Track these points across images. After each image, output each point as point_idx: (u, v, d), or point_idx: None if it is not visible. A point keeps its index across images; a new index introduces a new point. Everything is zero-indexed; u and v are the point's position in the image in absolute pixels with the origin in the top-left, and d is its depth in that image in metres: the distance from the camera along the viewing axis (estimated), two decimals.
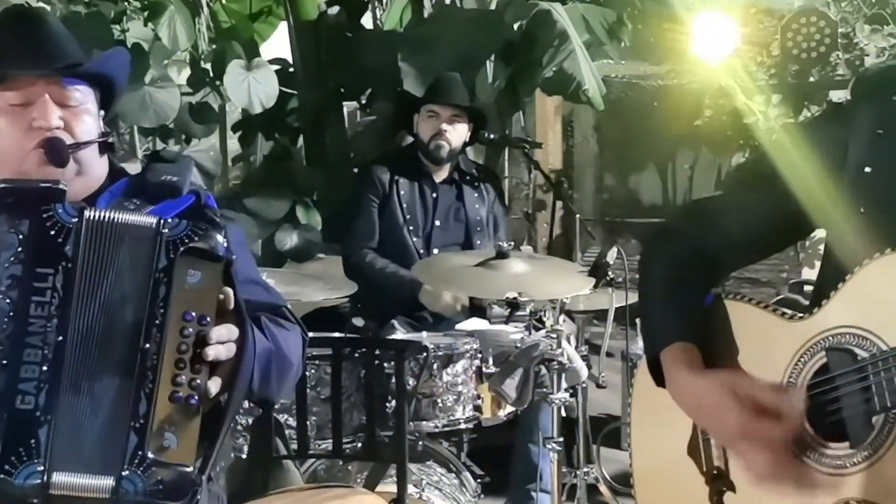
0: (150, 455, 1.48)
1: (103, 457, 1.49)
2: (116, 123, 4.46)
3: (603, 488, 3.60)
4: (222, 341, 1.58)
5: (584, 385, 3.44)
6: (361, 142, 5.04)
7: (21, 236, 1.52)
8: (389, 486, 2.64)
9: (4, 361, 1.47)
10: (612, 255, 3.16)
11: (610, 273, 3.17)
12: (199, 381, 1.53)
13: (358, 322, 3.65)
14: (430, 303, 3.55)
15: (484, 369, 3.04)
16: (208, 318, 1.55)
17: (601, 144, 7.21)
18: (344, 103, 5.33)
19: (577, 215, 4.46)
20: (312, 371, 2.77)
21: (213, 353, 1.55)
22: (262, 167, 4.99)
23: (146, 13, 4.03)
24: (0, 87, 1.73)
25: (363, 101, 5.29)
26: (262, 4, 5.34)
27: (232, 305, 1.62)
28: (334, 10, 5.12)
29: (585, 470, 3.47)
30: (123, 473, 1.47)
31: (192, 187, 1.81)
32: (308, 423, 2.71)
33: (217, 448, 1.62)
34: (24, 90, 1.72)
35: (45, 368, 1.47)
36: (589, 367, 3.39)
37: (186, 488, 1.50)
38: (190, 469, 1.50)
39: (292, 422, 2.73)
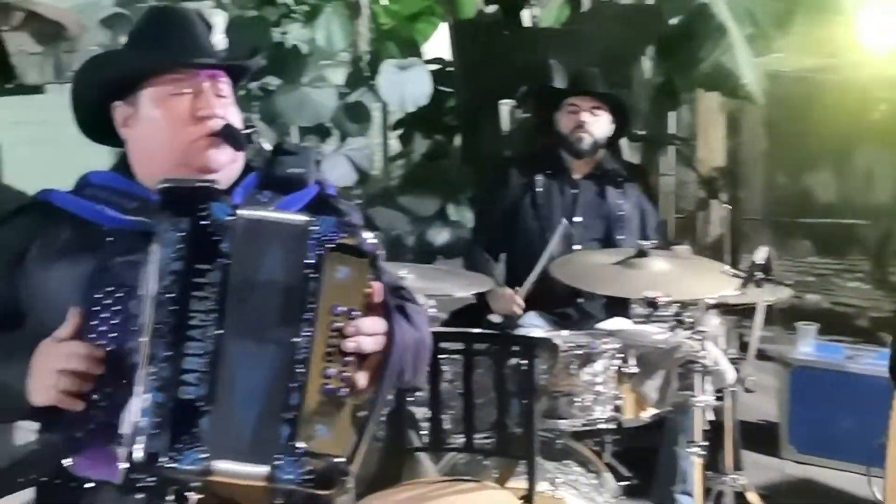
0: (302, 445, 1.52)
1: (258, 446, 1.53)
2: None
3: (752, 497, 3.48)
4: (370, 334, 1.61)
5: (732, 389, 3.34)
6: (515, 139, 5.06)
7: (181, 234, 1.58)
8: (521, 483, 2.64)
9: (169, 353, 1.52)
10: (761, 256, 3.06)
11: (759, 274, 3.07)
12: (348, 373, 1.56)
13: (494, 318, 3.66)
14: (492, 300, 3.53)
15: (624, 369, 3.00)
16: (356, 312, 1.58)
17: (771, 141, 6.95)
18: (502, 101, 5.37)
19: (733, 213, 4.33)
20: (449, 366, 2.80)
21: (361, 345, 1.58)
22: (418, 165, 5.08)
23: (305, 16, 4.18)
24: (160, 80, 1.81)
25: (518, 100, 5.31)
26: (423, 5, 5.44)
27: (379, 299, 1.65)
28: (492, 8, 5.16)
29: (733, 477, 3.37)
30: (277, 462, 1.51)
31: (315, 177, 1.87)
32: (446, 417, 2.75)
33: (365, 439, 1.65)
34: (188, 82, 1.81)
35: (205, 361, 1.53)
36: (738, 369, 3.29)
37: (336, 478, 1.53)
38: (340, 459, 1.53)
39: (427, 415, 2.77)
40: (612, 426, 3.06)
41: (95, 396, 1.57)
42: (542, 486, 2.71)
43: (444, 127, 5.30)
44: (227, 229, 1.58)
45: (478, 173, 4.82)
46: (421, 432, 2.78)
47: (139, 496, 1.54)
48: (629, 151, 4.94)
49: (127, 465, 1.49)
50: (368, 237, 1.62)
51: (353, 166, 4.47)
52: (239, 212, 1.61)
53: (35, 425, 1.76)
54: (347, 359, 1.56)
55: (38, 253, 1.76)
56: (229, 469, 1.51)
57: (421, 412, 2.80)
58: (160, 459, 1.47)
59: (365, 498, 2.37)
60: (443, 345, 2.71)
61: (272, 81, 4.25)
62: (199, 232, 1.57)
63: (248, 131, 1.86)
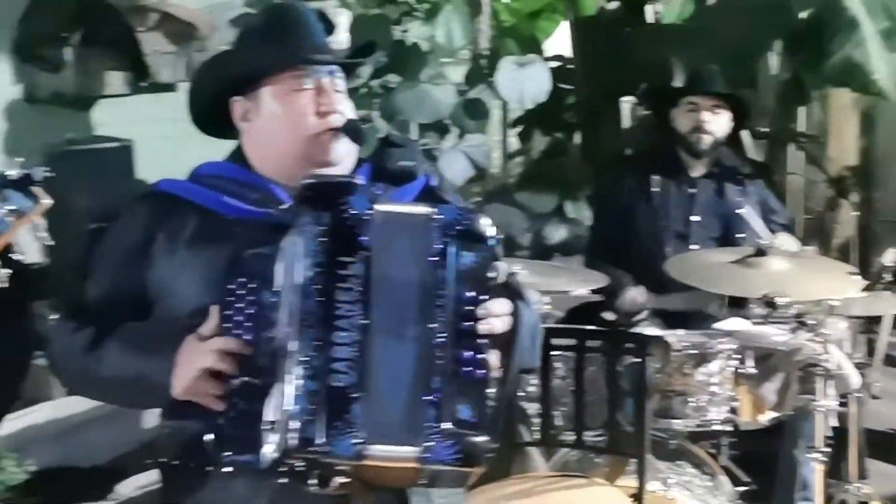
0: (448, 426, 1.56)
1: (408, 429, 1.57)
2: None
3: None
4: (499, 315, 1.64)
5: (857, 395, 3.22)
6: (635, 137, 5.00)
7: (323, 227, 1.63)
8: (631, 481, 2.62)
9: (319, 342, 1.58)
10: (890, 258, 2.96)
11: (888, 276, 2.97)
12: (481, 355, 1.60)
13: (608, 316, 3.62)
14: (621, 298, 3.48)
15: (741, 370, 2.94)
16: (484, 295, 1.62)
17: None
18: (622, 98, 5.31)
19: (866, 214, 4.17)
20: (561, 363, 2.80)
21: (492, 326, 1.62)
22: (537, 162, 5.07)
23: (426, 14, 4.23)
24: (281, 77, 1.85)
25: (639, 97, 5.25)
26: (544, 2, 5.43)
27: (502, 280, 1.68)
28: (613, 5, 5.12)
29: (857, 485, 3.26)
30: (426, 444, 1.55)
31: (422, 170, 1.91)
32: (557, 413, 2.75)
33: (501, 417, 1.68)
34: (309, 78, 1.85)
35: (353, 349, 1.58)
36: (864, 375, 3.18)
37: (481, 455, 1.57)
38: (484, 438, 1.56)
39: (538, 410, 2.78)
40: (728, 428, 3.01)
41: (234, 384, 1.63)
42: (653, 486, 2.68)
43: (564, 124, 5.28)
44: (366, 223, 1.63)
45: (597, 171, 4.79)
46: (531, 427, 2.78)
47: (282, 480, 1.59)
48: (753, 149, 4.82)
49: (279, 450, 1.54)
50: (487, 222, 1.66)
51: (471, 163, 4.50)
52: (376, 206, 1.66)
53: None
54: (480, 341, 1.60)
55: (163, 242, 1.82)
56: (383, 452, 1.55)
57: (532, 407, 2.80)
58: (315, 444, 1.52)
59: (475, 490, 2.39)
60: (555, 341, 2.71)
61: (392, 79, 4.31)
62: (341, 225, 1.63)
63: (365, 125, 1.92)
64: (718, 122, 3.58)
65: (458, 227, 1.64)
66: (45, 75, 4.64)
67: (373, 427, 1.55)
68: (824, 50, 4.18)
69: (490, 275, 1.64)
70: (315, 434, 1.52)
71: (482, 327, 1.60)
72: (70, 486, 3.27)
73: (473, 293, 1.61)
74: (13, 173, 1.52)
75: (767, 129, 3.66)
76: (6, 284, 1.57)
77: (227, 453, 1.62)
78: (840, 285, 2.91)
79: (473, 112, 4.49)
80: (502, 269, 1.68)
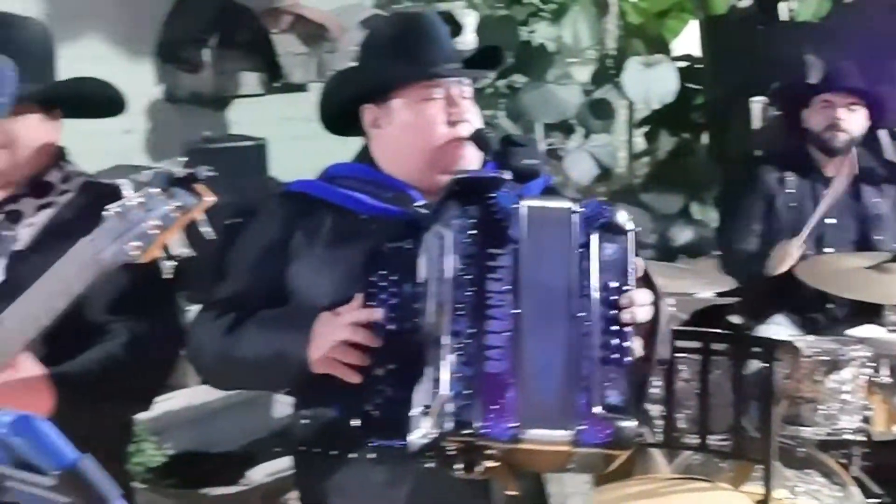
0: (598, 411, 1.60)
1: (561, 414, 1.62)
2: None
3: None
4: (641, 305, 1.69)
5: None
6: (765, 137, 4.89)
7: (472, 220, 1.69)
8: (757, 487, 2.58)
9: (472, 330, 1.64)
10: None
11: None
12: (627, 342, 1.65)
13: (735, 320, 3.57)
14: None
15: (875, 379, 2.86)
16: (626, 286, 1.67)
17: None
18: (753, 98, 5.20)
19: None
20: (686, 366, 2.78)
21: (636, 316, 1.67)
22: (662, 163, 5.02)
23: (552, 14, 4.24)
24: (412, 87, 1.91)
25: (770, 96, 5.13)
26: (672, 1, 5.37)
27: (642, 272, 1.73)
28: (746, 3, 5.02)
29: None
30: (579, 427, 1.60)
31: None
32: (680, 416, 2.73)
33: (644, 404, 1.77)
34: (438, 88, 1.90)
35: (505, 337, 1.63)
36: None
37: (630, 439, 1.61)
38: (633, 422, 1.60)
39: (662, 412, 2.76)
40: (860, 438, 2.94)
41: (380, 372, 1.69)
42: (780, 494, 2.64)
43: (691, 124, 5.21)
44: (514, 216, 1.69)
45: (725, 172, 4.71)
46: (654, 429, 2.77)
47: (427, 465, 1.65)
48: (893, 150, 4.66)
49: (432, 434, 1.59)
50: (626, 215, 1.71)
51: (596, 162, 4.49)
52: (522, 201, 1.71)
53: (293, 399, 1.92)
54: (623, 329, 1.65)
55: (301, 240, 1.90)
56: (538, 436, 1.60)
57: (655, 409, 2.79)
58: (471, 428, 1.57)
59: (597, 489, 2.40)
60: (680, 343, 2.69)
61: (518, 79, 4.34)
62: (490, 219, 1.69)
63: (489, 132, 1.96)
64: (854, 120, 3.49)
65: (600, 220, 1.69)
66: (184, 76, 4.84)
67: (527, 411, 1.59)
68: None
69: (630, 265, 1.68)
70: (472, 418, 1.57)
71: (626, 316, 1.65)
72: (204, 470, 3.40)
73: (617, 283, 1.66)
74: (179, 171, 1.60)
75: None
76: (171, 275, 1.66)
77: (373, 439, 1.68)
78: None
79: (600, 112, 4.48)
80: (640, 261, 1.71)
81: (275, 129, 4.98)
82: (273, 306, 1.90)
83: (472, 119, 1.92)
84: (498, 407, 1.59)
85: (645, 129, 5.47)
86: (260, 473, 3.40)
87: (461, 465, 1.63)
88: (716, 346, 2.68)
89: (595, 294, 1.65)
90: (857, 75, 3.53)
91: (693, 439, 2.67)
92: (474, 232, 1.68)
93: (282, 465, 3.48)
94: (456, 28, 2.24)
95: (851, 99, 3.48)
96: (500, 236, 1.68)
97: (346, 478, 1.82)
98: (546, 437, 1.60)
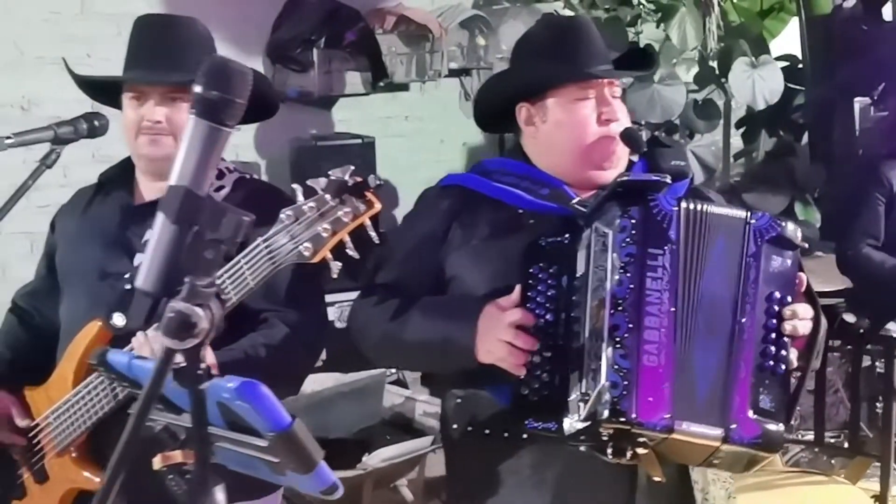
0: (750, 414, 1.71)
1: (714, 411, 1.71)
2: None
3: None
4: (802, 319, 1.77)
5: None
6: (870, 138, 4.86)
7: (633, 221, 1.78)
8: (872, 484, 2.61)
9: (631, 325, 1.73)
10: None
11: None
12: (784, 352, 1.74)
13: (849, 318, 3.56)
14: None
15: None
16: (789, 298, 1.75)
17: None
18: (857, 99, 5.17)
19: None
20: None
21: (797, 329, 1.75)
22: (763, 163, 5.01)
23: (659, 15, 4.28)
24: (567, 87, 1.99)
25: (875, 97, 5.10)
26: (774, 1, 5.36)
27: (804, 287, 1.80)
28: (850, 2, 4.99)
29: None
30: (731, 426, 1.70)
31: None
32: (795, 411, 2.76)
33: (795, 413, 1.81)
34: (592, 88, 1.98)
35: (662, 332, 1.72)
36: None
37: (776, 444, 1.72)
38: (780, 428, 1.71)
39: None
40: None
41: (536, 359, 1.78)
42: None
43: (791, 125, 5.20)
44: (674, 218, 1.77)
45: (831, 173, 4.69)
46: None
47: (581, 448, 1.75)
48: None
49: (588, 419, 1.69)
50: (795, 229, 1.78)
51: (700, 163, 4.52)
52: (682, 203, 1.79)
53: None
54: (783, 339, 1.74)
55: (458, 231, 1.99)
56: (690, 429, 1.70)
57: None
58: (628, 416, 1.67)
59: None
60: None
61: (625, 80, 4.36)
62: (650, 220, 1.77)
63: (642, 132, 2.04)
64: None
65: (771, 233, 1.77)
66: (293, 75, 4.98)
67: (682, 405, 1.69)
68: None
69: (797, 279, 1.76)
70: (629, 407, 1.66)
71: (787, 327, 1.73)
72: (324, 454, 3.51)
73: (780, 294, 1.74)
74: (351, 179, 1.69)
75: None
76: (336, 276, 1.77)
77: (529, 421, 1.77)
78: None
79: (705, 113, 4.51)
80: (803, 276, 1.78)
81: (378, 127, 5.10)
82: (429, 293, 2.01)
83: (622, 118, 1.99)
84: (653, 399, 1.67)
85: (742, 129, 5.46)
86: (375, 459, 3.51)
87: (612, 450, 1.72)
88: (832, 343, 2.71)
89: (759, 303, 1.73)
90: None
91: (808, 434, 2.71)
92: (635, 232, 1.76)
93: (395, 451, 3.60)
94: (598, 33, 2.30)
95: None
96: (661, 237, 1.76)
97: (495, 457, 1.91)
98: (698, 432, 1.69)
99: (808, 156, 5.12)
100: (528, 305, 1.81)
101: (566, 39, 2.03)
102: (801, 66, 5.11)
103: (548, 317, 1.79)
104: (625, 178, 1.84)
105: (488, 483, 1.94)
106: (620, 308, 1.73)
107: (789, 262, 1.77)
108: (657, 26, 4.33)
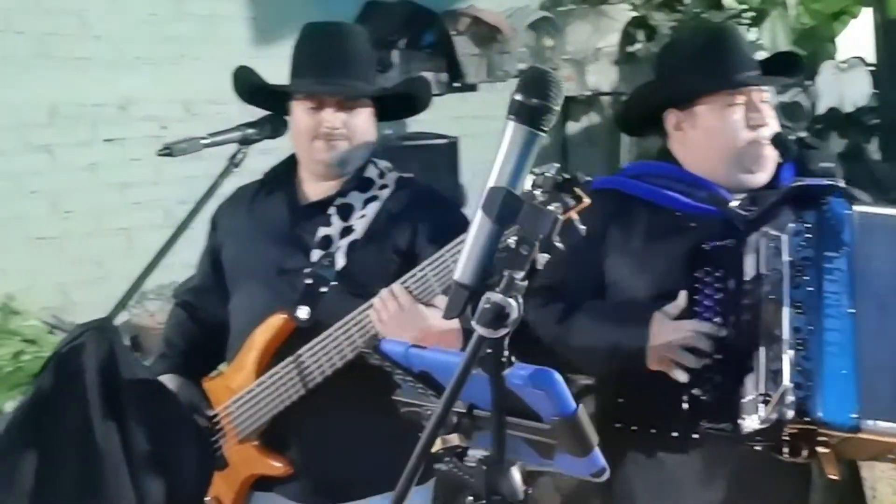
0: None
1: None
2: None
3: None
4: None
5: None
6: None
7: (807, 225, 1.86)
8: None
9: (811, 326, 1.80)
10: None
11: None
12: None
13: None
14: None
15: None
16: None
17: None
18: None
19: None
20: None
21: None
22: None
23: (751, 19, 4.34)
24: (718, 94, 2.08)
25: None
26: (843, 4, 5.39)
27: None
28: None
29: None
30: None
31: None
32: None
33: None
34: (742, 95, 2.07)
35: (843, 333, 1.79)
36: None
37: None
38: None
39: None
40: None
41: (708, 361, 1.85)
42: None
43: (862, 126, 5.25)
44: (846, 222, 1.84)
45: None
46: None
47: (757, 448, 1.81)
48: None
49: (768, 420, 1.75)
50: None
51: None
52: (855, 207, 1.86)
53: None
54: None
55: (617, 235, 2.06)
56: (878, 427, 1.75)
57: None
58: (813, 416, 1.73)
59: None
60: None
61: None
62: (825, 224, 1.86)
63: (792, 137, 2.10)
64: None
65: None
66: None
67: (868, 403, 1.75)
68: None
69: None
70: (814, 407, 1.73)
71: None
72: None
73: None
74: (560, 176, 1.76)
75: None
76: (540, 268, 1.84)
77: (704, 421, 1.83)
78: None
79: (791, 114, 4.57)
80: None
81: (448, 127, 5.17)
82: (591, 296, 2.08)
83: (771, 122, 2.06)
84: (838, 398, 1.74)
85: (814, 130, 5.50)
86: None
87: (788, 449, 1.78)
88: None
89: None
90: None
91: None
92: (810, 236, 1.84)
93: None
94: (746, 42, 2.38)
95: None
96: (836, 240, 1.83)
97: (664, 460, 1.98)
98: (886, 430, 1.75)
99: (879, 157, 5.17)
100: (695, 309, 1.88)
101: (715, 47, 2.10)
102: (873, 68, 5.15)
103: (716, 320, 1.86)
104: (800, 184, 1.90)
105: (654, 483, 2.02)
106: (800, 310, 1.79)
107: None
108: (748, 29, 4.38)
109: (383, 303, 2.01)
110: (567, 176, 1.79)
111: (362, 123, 2.22)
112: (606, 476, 1.37)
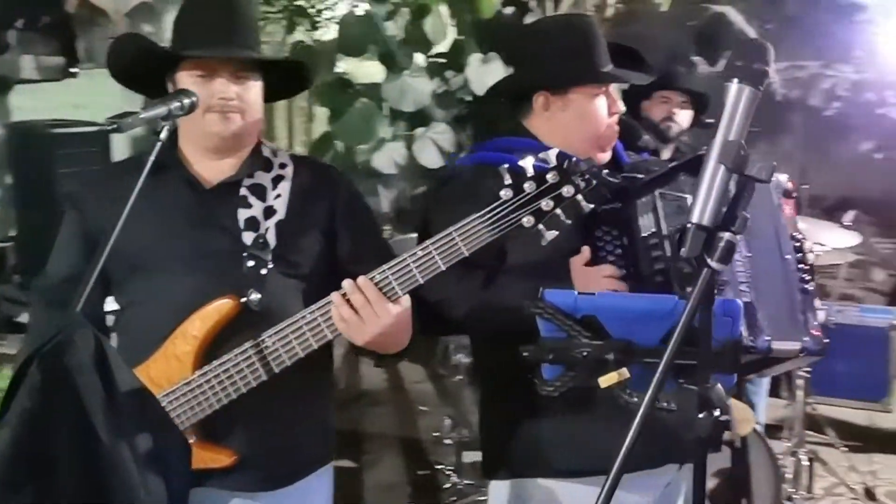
0: (811, 328, 2.11)
1: (790, 330, 2.10)
2: None
3: None
4: (811, 250, 2.23)
5: None
6: None
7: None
8: None
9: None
10: None
11: None
12: (810, 277, 2.19)
13: None
14: None
15: None
16: (799, 234, 2.21)
17: None
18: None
19: None
20: None
21: (813, 258, 2.23)
22: None
23: (412, 12, 4.55)
24: (591, 84, 2.24)
25: None
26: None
27: None
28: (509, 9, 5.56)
29: None
30: (804, 339, 2.12)
31: None
32: None
33: None
34: (607, 85, 2.27)
35: (747, 274, 2.07)
36: None
37: (825, 350, 2.14)
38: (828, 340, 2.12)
39: None
40: None
41: None
42: None
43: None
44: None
45: None
46: None
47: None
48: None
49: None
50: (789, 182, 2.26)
51: (438, 148, 4.86)
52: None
53: None
54: (808, 267, 2.21)
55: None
56: (778, 347, 2.08)
57: None
58: (745, 342, 1.97)
59: None
60: None
61: None
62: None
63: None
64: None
65: (783, 186, 2.24)
66: None
67: (772, 330, 2.06)
68: None
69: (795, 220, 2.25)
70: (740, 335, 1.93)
71: (810, 257, 2.22)
72: None
73: (797, 234, 2.22)
74: (565, 162, 1.91)
75: None
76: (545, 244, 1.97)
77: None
78: None
79: (444, 103, 4.87)
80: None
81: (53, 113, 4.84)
82: (496, 263, 2.19)
83: (621, 107, 2.32)
84: (755, 327, 2.03)
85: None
86: None
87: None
88: None
89: (789, 243, 2.16)
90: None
91: None
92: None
93: None
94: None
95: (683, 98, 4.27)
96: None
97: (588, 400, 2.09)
98: (783, 349, 2.08)
99: None
100: (599, 264, 2.14)
101: (588, 41, 2.29)
102: None
103: (622, 271, 2.14)
104: (700, 153, 2.22)
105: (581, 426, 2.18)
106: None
107: (791, 207, 2.23)
108: (412, 21, 4.59)
109: (350, 293, 1.98)
110: (573, 159, 1.95)
111: (255, 98, 2.14)
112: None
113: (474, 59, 4.69)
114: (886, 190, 6.37)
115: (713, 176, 1.50)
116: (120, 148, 4.54)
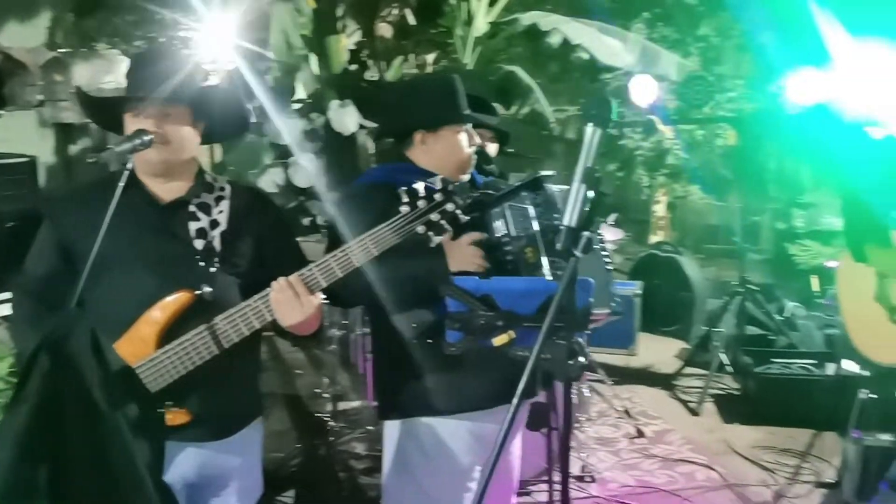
0: (615, 294, 2.72)
1: (605, 298, 2.82)
2: None
3: None
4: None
5: None
6: None
7: (538, 200, 2.75)
8: None
9: (554, 259, 2.65)
10: None
11: None
12: (610, 258, 2.91)
13: None
14: None
15: None
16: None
17: None
18: None
19: None
20: None
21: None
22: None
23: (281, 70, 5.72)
24: (456, 124, 2.74)
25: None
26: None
27: None
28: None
29: None
30: (612, 304, 2.93)
31: None
32: None
33: None
34: (465, 125, 2.76)
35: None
36: None
37: (622, 311, 2.86)
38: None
39: None
40: None
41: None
42: None
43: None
44: (559, 198, 2.91)
45: None
46: None
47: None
48: None
49: None
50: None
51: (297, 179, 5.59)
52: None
53: None
54: (608, 257, 3.07)
55: (387, 218, 2.33)
56: (599, 310, 2.98)
57: None
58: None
59: None
60: None
61: None
62: (549, 200, 2.88)
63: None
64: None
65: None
66: None
67: (596, 299, 2.51)
68: None
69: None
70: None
71: None
72: None
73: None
74: (449, 185, 2.28)
75: None
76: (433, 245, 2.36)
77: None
78: None
79: (309, 138, 5.98)
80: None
81: None
82: None
83: (476, 141, 2.87)
84: (583, 291, 2.27)
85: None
86: None
87: None
88: None
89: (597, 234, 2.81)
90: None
91: None
92: (540, 207, 2.79)
93: None
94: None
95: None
96: (553, 209, 2.84)
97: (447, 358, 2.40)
98: (601, 310, 3.03)
99: None
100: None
101: (453, 92, 2.78)
102: None
103: (484, 235, 2.68)
104: (537, 177, 2.75)
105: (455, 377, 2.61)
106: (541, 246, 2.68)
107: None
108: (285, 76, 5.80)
109: (281, 289, 2.29)
110: (456, 183, 2.30)
111: (178, 134, 2.36)
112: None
113: (333, 104, 6.01)
114: None
115: (577, 191, 1.81)
116: (43, 175, 5.28)
